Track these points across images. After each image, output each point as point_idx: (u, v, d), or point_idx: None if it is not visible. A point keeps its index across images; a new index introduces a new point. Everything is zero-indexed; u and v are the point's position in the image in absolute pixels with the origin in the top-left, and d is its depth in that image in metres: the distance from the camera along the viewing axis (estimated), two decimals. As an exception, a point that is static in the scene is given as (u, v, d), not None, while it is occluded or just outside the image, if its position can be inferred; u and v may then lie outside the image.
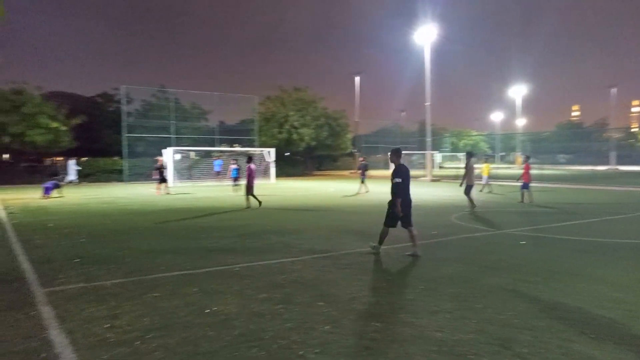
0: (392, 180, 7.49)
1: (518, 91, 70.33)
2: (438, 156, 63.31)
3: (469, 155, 14.45)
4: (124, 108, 35.22)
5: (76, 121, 34.84)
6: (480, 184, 21.48)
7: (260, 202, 14.86)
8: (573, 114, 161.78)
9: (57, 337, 4.05)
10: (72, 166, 30.27)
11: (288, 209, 14.89)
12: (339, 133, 45.81)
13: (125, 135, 33.37)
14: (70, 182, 29.28)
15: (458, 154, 67.92)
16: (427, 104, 33.32)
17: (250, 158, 15.34)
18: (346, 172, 50.47)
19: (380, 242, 7.72)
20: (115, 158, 34.92)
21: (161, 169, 20.90)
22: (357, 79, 54.08)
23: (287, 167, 42.06)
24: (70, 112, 35.24)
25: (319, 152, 48.40)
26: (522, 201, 16.16)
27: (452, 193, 20.83)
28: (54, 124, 32.50)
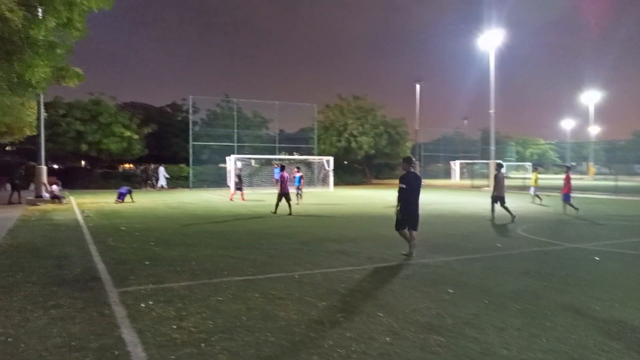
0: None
1: (591, 97, 66.40)
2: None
3: (499, 166, 14.27)
4: (191, 117, 36.81)
5: (147, 130, 36.84)
6: (529, 194, 20.62)
7: (290, 211, 15.03)
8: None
9: (129, 335, 4.26)
10: (163, 172, 31.96)
11: (347, 217, 14.88)
12: (398, 141, 45.27)
13: (191, 143, 34.84)
14: (162, 187, 31.00)
15: (525, 164, 65.00)
16: (492, 111, 32.24)
17: (283, 167, 15.70)
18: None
19: (411, 247, 8.09)
20: (182, 165, 36.50)
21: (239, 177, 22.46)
22: (418, 86, 53.33)
23: (346, 175, 42.13)
24: (142, 121, 37.33)
25: (377, 160, 48.08)
26: (564, 213, 15.46)
27: (517, 204, 19.94)
28: (128, 133, 34.53)
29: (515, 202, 20.67)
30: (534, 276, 6.72)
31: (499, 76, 61.81)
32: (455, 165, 55.98)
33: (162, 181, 31.58)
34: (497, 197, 13.59)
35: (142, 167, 37.61)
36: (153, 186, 32.79)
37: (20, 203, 19.14)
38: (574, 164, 78.29)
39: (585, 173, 64.27)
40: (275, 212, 15.02)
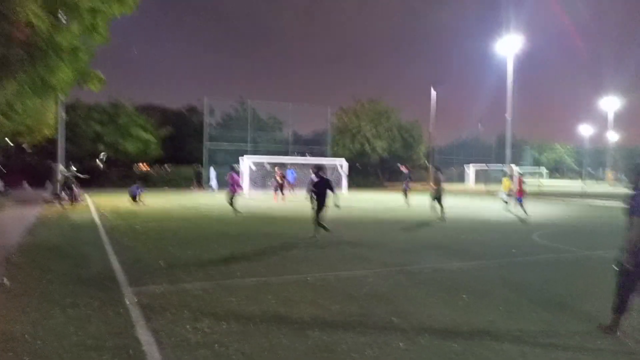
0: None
1: (611, 103, 65.32)
2: (517, 170, 60.20)
3: (437, 168, 17.19)
4: (207, 119, 37.11)
5: (164, 132, 37.23)
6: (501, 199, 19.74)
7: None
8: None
9: (144, 335, 4.29)
10: (214, 174, 30.51)
11: (361, 220, 14.84)
12: (412, 145, 45.11)
13: (206, 144, 35.11)
14: (211, 188, 29.84)
15: (541, 169, 64.23)
16: (508, 117, 31.90)
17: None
18: (419, 185, 49.52)
19: (316, 232, 10.25)
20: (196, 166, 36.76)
21: (281, 178, 22.84)
22: (433, 90, 52.94)
23: (359, 178, 42.05)
24: (159, 123, 37.73)
25: (391, 163, 47.95)
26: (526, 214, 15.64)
27: (533, 209, 19.70)
28: (144, 135, 34.97)
29: (533, 208, 20.43)
30: (551, 284, 6.62)
31: (516, 80, 61.15)
32: (470, 170, 55.54)
33: (214, 183, 30.20)
34: (437, 197, 14.99)
35: (193, 167, 36.45)
36: (200, 187, 31.72)
37: (73, 202, 18.98)
38: (590, 169, 77.09)
39: (603, 180, 63.28)
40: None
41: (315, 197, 10.17)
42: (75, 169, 19.97)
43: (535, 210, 19.47)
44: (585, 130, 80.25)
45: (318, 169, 10.50)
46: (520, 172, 18.19)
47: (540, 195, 29.54)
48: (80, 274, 6.77)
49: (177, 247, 9.15)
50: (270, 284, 6.30)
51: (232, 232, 11.45)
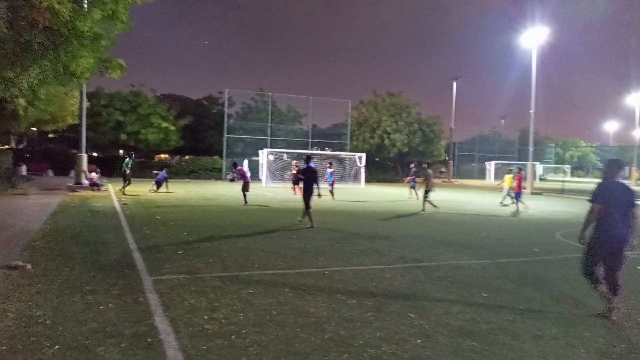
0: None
1: (638, 99, 63.53)
2: (539, 167, 59.03)
3: (428, 165, 18.32)
4: (226, 110, 37.28)
5: (184, 122, 37.54)
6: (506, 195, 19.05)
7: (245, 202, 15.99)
8: None
9: (162, 324, 4.33)
10: (247, 166, 31.35)
11: (379, 214, 14.75)
12: (432, 140, 44.57)
13: (225, 136, 35.30)
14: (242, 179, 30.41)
15: (564, 166, 62.99)
16: (532, 111, 31.29)
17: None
18: (438, 180, 49.09)
19: (304, 217, 11.47)
20: (216, 157, 37.07)
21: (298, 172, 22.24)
22: (455, 84, 52.29)
23: (378, 172, 41.84)
24: (179, 113, 38.05)
25: (410, 158, 47.52)
26: (518, 209, 16.76)
27: (557, 207, 19.34)
28: (165, 124, 35.29)
29: (557, 206, 20.06)
30: (573, 284, 6.47)
31: (540, 75, 59.83)
32: (491, 166, 54.74)
33: (248, 174, 30.92)
34: (427, 191, 15.84)
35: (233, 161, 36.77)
36: (233, 180, 32.60)
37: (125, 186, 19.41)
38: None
39: (628, 178, 61.73)
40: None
41: (302, 183, 11.57)
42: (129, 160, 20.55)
43: (562, 208, 19.11)
44: (611, 127, 78.45)
45: (308, 158, 12.00)
46: (521, 169, 18.66)
47: (564, 192, 28.98)
48: (101, 260, 6.87)
49: (196, 237, 9.22)
50: (287, 276, 6.30)
51: (251, 224, 11.50)
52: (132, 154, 21.99)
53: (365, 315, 4.78)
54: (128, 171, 19.74)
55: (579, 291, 6.07)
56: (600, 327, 4.72)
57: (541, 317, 4.94)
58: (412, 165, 23.22)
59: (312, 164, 11.90)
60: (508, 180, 18.65)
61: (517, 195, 17.15)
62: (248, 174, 16.70)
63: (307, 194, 11.25)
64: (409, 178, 22.40)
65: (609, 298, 5.04)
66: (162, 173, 21.37)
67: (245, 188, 16.21)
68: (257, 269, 6.66)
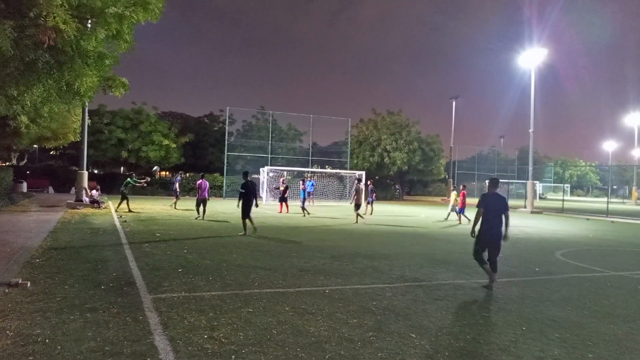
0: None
1: (637, 119, 63.85)
2: (539, 186, 59.05)
3: (359, 180, 19.25)
4: (227, 128, 37.47)
5: (185, 139, 37.69)
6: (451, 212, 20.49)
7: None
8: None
9: (161, 343, 4.30)
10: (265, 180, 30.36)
11: (379, 232, 14.72)
12: (432, 158, 44.73)
13: (226, 153, 35.42)
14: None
15: (564, 185, 62.94)
16: (531, 130, 31.48)
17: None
18: (437, 199, 49.04)
19: (247, 230, 12.77)
20: (216, 174, 37.11)
21: (284, 189, 22.20)
22: (454, 103, 52.62)
23: (377, 190, 41.81)
24: (180, 131, 38.22)
25: (410, 176, 47.62)
26: (460, 223, 18.78)
27: (557, 227, 19.30)
28: (166, 141, 35.43)
29: (557, 225, 20.03)
30: (574, 304, 6.44)
31: (539, 94, 60.26)
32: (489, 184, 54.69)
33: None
34: (357, 205, 17.53)
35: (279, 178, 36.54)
36: (277, 188, 32.61)
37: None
38: (615, 187, 75.30)
39: (627, 197, 61.69)
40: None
41: (242, 198, 12.57)
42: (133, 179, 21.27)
43: (563, 227, 19.08)
44: (609, 146, 78.66)
45: (245, 174, 12.99)
46: (464, 186, 20.90)
47: (564, 211, 28.95)
48: (100, 278, 6.84)
49: (196, 255, 9.19)
50: (287, 295, 6.27)
51: (250, 242, 11.47)
52: (132, 174, 22.17)
53: (366, 335, 4.75)
54: (125, 190, 19.78)
55: (581, 312, 6.04)
56: (603, 349, 4.68)
57: (542, 338, 4.91)
58: (369, 183, 24.02)
59: (250, 179, 13.02)
60: (453, 196, 20.17)
61: (461, 210, 19.44)
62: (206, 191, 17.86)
63: (247, 206, 12.57)
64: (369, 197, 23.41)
65: (491, 274, 7.13)
66: (177, 178, 22.15)
67: (199, 203, 17.83)
68: (257, 287, 6.63)
